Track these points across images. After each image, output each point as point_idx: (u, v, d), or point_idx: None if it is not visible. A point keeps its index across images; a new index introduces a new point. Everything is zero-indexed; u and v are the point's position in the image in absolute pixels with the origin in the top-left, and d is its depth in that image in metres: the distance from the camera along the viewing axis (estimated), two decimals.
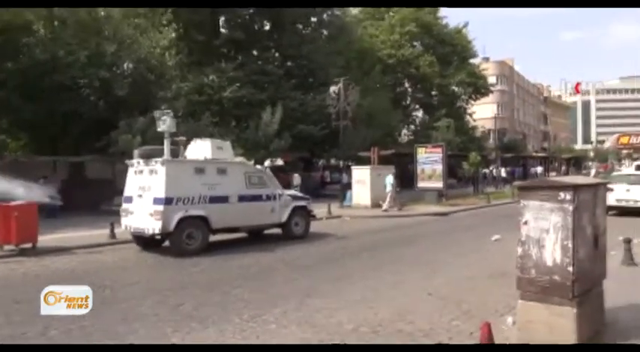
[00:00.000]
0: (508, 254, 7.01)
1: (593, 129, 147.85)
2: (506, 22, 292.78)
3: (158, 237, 11.18)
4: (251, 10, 31.58)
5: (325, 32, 36.78)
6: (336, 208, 20.36)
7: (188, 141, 12.82)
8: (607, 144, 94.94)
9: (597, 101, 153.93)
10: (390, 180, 20.69)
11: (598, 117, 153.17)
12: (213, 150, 12.04)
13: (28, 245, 11.00)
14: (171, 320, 6.08)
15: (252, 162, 14.55)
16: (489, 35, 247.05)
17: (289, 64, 33.14)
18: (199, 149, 12.20)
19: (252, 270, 9.30)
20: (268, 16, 32.44)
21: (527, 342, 4.68)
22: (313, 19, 35.78)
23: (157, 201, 10.66)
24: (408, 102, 48.51)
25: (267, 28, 33.98)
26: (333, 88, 26.08)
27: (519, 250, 4.73)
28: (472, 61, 50.93)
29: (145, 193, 11.09)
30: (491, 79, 57.53)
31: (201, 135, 16.66)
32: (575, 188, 4.47)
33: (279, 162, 29.33)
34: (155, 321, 6.07)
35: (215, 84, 28.01)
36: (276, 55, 33.63)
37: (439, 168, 23.25)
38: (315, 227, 14.43)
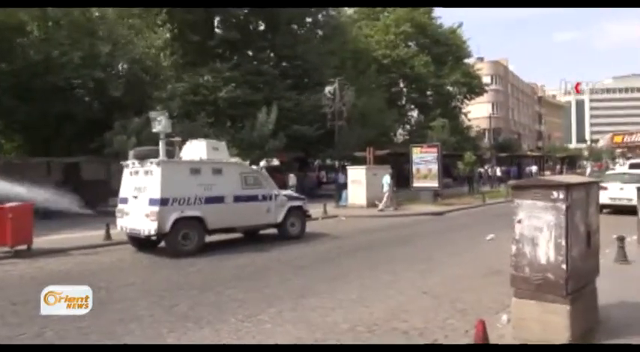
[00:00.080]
0: (502, 253, 7.05)
1: (587, 129, 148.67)
2: (501, 22, 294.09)
3: (154, 238, 11.16)
4: (246, 11, 31.56)
5: (320, 32, 36.80)
6: (331, 208, 20.42)
7: (183, 142, 12.81)
8: (601, 143, 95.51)
9: (591, 100, 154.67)
10: (387, 179, 20.74)
11: (592, 117, 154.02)
12: (209, 151, 12.03)
13: (23, 246, 10.96)
14: (167, 321, 6.09)
15: (247, 162, 14.52)
16: (483, 35, 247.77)
17: (284, 64, 33.15)
18: (195, 149, 12.20)
19: (248, 270, 9.31)
20: (263, 16, 32.42)
21: (521, 339, 4.72)
22: (308, 20, 35.79)
23: (152, 202, 10.66)
24: (403, 102, 48.62)
25: (262, 28, 33.96)
26: (328, 88, 26.12)
27: (513, 248, 4.77)
28: (467, 61, 51.14)
29: (141, 194, 11.09)
30: (486, 79, 57.73)
31: (196, 135, 16.66)
32: (568, 187, 4.51)
33: (275, 162, 29.23)
34: (151, 322, 6.08)
35: (210, 84, 27.99)
36: (271, 55, 33.64)
37: (434, 167, 23.33)
38: (311, 227, 14.45)
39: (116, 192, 12.29)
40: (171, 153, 11.62)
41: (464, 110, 51.72)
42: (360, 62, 39.67)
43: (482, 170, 40.38)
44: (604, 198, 17.55)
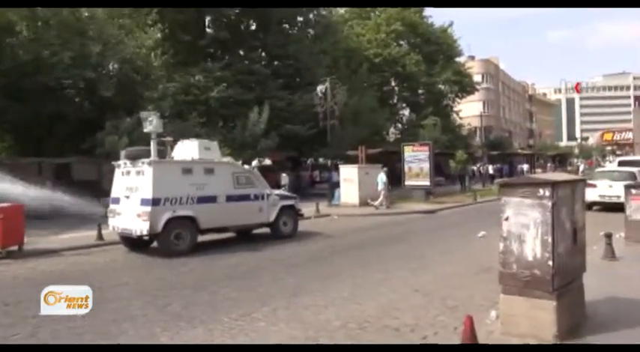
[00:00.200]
0: (493, 250, 7.10)
1: (578, 126, 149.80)
2: (491, 21, 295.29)
3: (146, 238, 11.17)
4: (237, 10, 31.52)
5: (312, 32, 36.83)
6: (324, 207, 20.48)
7: (175, 142, 12.82)
8: (591, 141, 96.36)
9: (581, 98, 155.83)
10: (382, 178, 20.85)
11: (582, 115, 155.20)
12: (201, 151, 12.05)
13: (14, 247, 10.92)
14: (161, 320, 6.12)
15: (240, 162, 14.56)
16: (474, 34, 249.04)
17: (276, 63, 33.14)
18: (186, 149, 12.21)
19: (241, 270, 9.35)
20: (254, 15, 32.40)
21: (509, 335, 4.81)
22: (299, 19, 35.80)
23: (144, 202, 10.66)
24: (395, 100, 48.75)
25: (253, 27, 33.94)
26: (319, 88, 26.15)
27: (501, 245, 4.86)
28: (458, 59, 51.38)
29: (133, 194, 11.09)
30: (477, 78, 58.01)
31: (188, 135, 16.66)
32: (554, 184, 4.60)
33: (267, 161, 29.36)
34: (144, 321, 6.11)
35: (202, 84, 27.94)
36: (263, 54, 33.63)
37: (426, 166, 23.44)
38: (303, 226, 14.51)
39: (108, 193, 12.27)
40: (162, 153, 11.63)
41: (455, 108, 51.94)
42: (352, 61, 39.77)
43: (474, 168, 40.64)
44: (593, 195, 17.79)
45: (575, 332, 4.90)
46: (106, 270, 9.72)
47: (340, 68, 36.16)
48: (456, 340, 4.78)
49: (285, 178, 24.70)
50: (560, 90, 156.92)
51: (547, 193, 4.56)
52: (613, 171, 19.33)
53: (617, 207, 16.48)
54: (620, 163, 22.89)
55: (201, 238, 11.77)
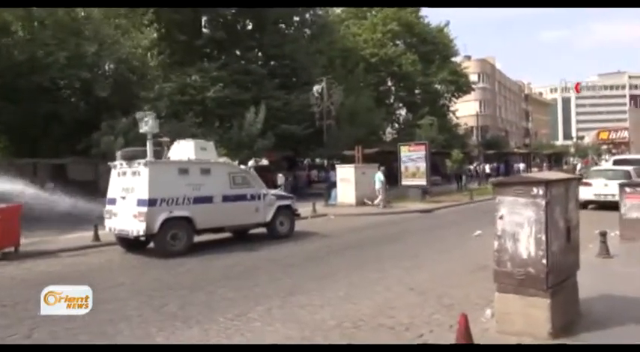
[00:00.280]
0: (489, 249, 7.13)
1: (574, 125, 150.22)
2: (487, 21, 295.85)
3: (142, 239, 11.18)
4: (233, 10, 31.53)
5: (308, 31, 36.89)
6: (321, 207, 20.48)
7: (171, 142, 12.82)
8: (587, 140, 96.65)
9: (577, 97, 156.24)
10: (379, 177, 20.88)
11: (578, 114, 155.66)
12: (197, 151, 12.05)
13: (10, 249, 10.89)
14: (156, 321, 6.12)
15: (236, 162, 14.56)
16: (471, 34, 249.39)
17: (272, 63, 33.17)
18: (183, 150, 12.20)
19: (237, 270, 9.36)
20: (251, 15, 32.43)
21: (504, 333, 4.83)
22: (296, 19, 35.87)
23: (140, 202, 10.65)
24: (391, 100, 48.84)
25: (249, 27, 33.96)
26: (316, 88, 26.18)
27: (495, 244, 4.88)
28: (454, 59, 51.52)
29: (129, 195, 11.07)
30: (473, 77, 58.16)
31: (184, 135, 16.65)
32: (548, 183, 4.63)
33: (264, 161, 29.34)
34: (140, 322, 6.11)
35: (198, 84, 27.95)
36: (259, 54, 33.64)
37: (422, 165, 23.47)
38: (300, 226, 14.52)
39: (104, 193, 12.26)
40: (158, 154, 11.63)
41: (452, 108, 52.09)
42: (348, 61, 39.81)
43: (471, 167, 40.74)
44: (589, 194, 17.88)
45: (570, 329, 4.92)
46: (102, 271, 9.71)
47: (336, 68, 36.20)
48: (451, 338, 4.79)
49: (281, 178, 24.72)
50: (556, 90, 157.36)
51: (541, 192, 4.59)
52: (608, 170, 19.41)
53: (612, 206, 16.56)
54: (615, 162, 22.98)
55: (197, 238, 11.76)
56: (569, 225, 5.05)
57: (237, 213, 12.20)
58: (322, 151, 29.68)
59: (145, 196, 10.59)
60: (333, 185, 23.67)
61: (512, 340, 4.67)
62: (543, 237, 4.58)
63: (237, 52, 33.01)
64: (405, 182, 24.06)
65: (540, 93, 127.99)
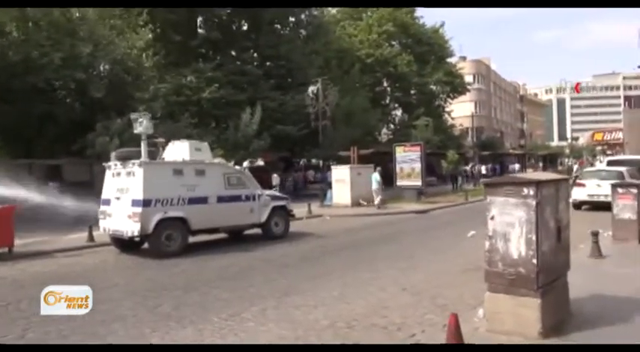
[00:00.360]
0: (483, 249, 7.21)
1: (569, 126, 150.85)
2: (483, 21, 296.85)
3: (137, 239, 11.16)
4: (228, 11, 31.54)
5: (304, 32, 36.94)
6: (316, 208, 20.51)
7: (167, 143, 12.82)
8: (581, 141, 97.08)
9: (572, 98, 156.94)
10: (376, 177, 20.95)
11: (573, 115, 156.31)
12: (192, 152, 12.06)
13: (4, 249, 10.87)
14: (151, 321, 6.14)
15: (232, 162, 14.58)
16: (466, 35, 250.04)
17: (268, 64, 33.21)
18: (177, 150, 12.22)
19: (232, 270, 9.37)
20: (246, 16, 32.45)
21: (495, 332, 4.87)
22: (291, 19, 35.91)
23: (135, 203, 10.66)
24: (387, 101, 48.96)
25: (245, 28, 33.97)
26: (311, 88, 26.22)
27: (487, 244, 4.92)
28: (449, 60, 51.70)
29: (123, 195, 11.08)
30: (469, 78, 58.35)
31: (180, 136, 16.64)
32: (538, 184, 4.67)
33: (260, 162, 29.34)
34: (134, 322, 6.12)
35: (193, 85, 27.95)
36: (255, 55, 33.68)
37: (418, 166, 23.51)
38: (295, 226, 14.54)
39: (99, 194, 12.25)
40: (153, 155, 11.63)
41: (447, 109, 52.26)
42: (344, 62, 39.89)
43: (467, 168, 40.89)
44: (582, 194, 18.00)
45: (560, 329, 4.96)
46: (96, 272, 9.71)
47: (332, 69, 36.26)
48: (443, 338, 4.80)
49: (276, 179, 24.75)
50: (551, 91, 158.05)
51: (531, 192, 4.63)
52: (602, 171, 19.52)
53: (606, 206, 16.68)
54: (609, 163, 23.12)
55: (192, 239, 11.78)
56: (560, 225, 5.09)
57: (232, 214, 12.21)
58: (318, 152, 29.72)
59: (140, 197, 10.59)
60: (329, 186, 23.71)
61: (503, 339, 4.71)
62: (534, 237, 4.62)
63: (233, 53, 33.01)
64: (400, 183, 24.11)
65: (535, 94, 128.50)
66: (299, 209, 16.86)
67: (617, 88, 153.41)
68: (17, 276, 9.12)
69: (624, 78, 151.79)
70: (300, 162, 38.60)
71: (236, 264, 9.99)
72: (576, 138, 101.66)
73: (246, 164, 13.74)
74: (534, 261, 4.63)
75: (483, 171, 41.42)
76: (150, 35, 26.79)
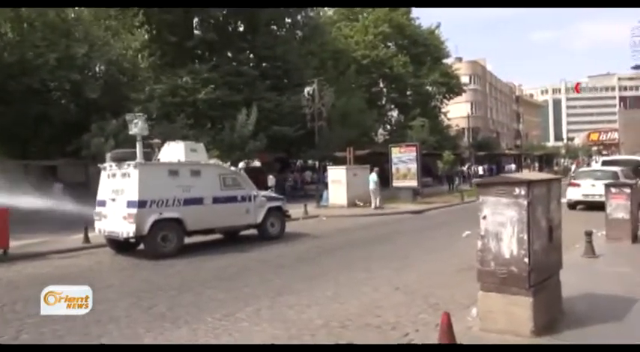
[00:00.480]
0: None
1: (564, 127, 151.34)
2: (478, 22, 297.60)
3: (132, 240, 11.17)
4: (225, 11, 31.52)
5: (300, 33, 36.96)
6: (312, 208, 20.53)
7: (163, 144, 12.83)
8: (577, 141, 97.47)
9: (568, 99, 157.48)
10: (373, 177, 21.00)
11: (569, 115, 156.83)
12: (187, 153, 12.07)
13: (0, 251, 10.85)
14: (145, 321, 6.15)
15: (228, 163, 14.59)
16: (462, 36, 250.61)
17: (264, 65, 33.21)
18: (173, 151, 12.22)
19: (227, 271, 9.38)
20: (242, 16, 32.44)
21: (487, 331, 4.90)
22: (288, 20, 35.92)
23: (130, 204, 10.66)
24: (383, 102, 49.00)
25: (241, 29, 33.97)
26: (307, 89, 26.24)
27: (479, 244, 4.95)
28: (445, 61, 51.77)
29: (119, 197, 11.07)
30: (465, 79, 58.47)
31: (175, 137, 16.64)
32: (529, 183, 4.71)
33: (257, 163, 29.38)
34: (128, 322, 6.13)
35: (189, 85, 27.93)
36: (251, 56, 33.66)
37: (413, 167, 23.60)
38: (291, 227, 14.56)
39: (95, 195, 12.24)
40: (148, 156, 11.64)
41: (443, 110, 52.37)
42: (340, 62, 39.91)
43: (464, 168, 41.00)
44: (577, 194, 18.11)
45: (552, 327, 5.00)
46: (92, 273, 9.70)
47: (328, 69, 36.28)
48: (436, 337, 4.86)
49: (271, 180, 24.76)
50: (546, 92, 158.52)
51: (522, 192, 4.67)
52: (596, 171, 19.63)
53: (601, 206, 16.76)
54: (604, 163, 23.24)
55: (188, 240, 11.78)
56: (551, 224, 5.13)
57: (227, 215, 12.22)
58: (314, 153, 29.70)
59: (135, 198, 10.60)
60: (325, 186, 23.75)
61: (495, 338, 4.74)
62: (525, 237, 4.66)
63: (229, 54, 33.01)
64: (396, 183, 24.18)
65: (531, 95, 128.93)
66: (295, 209, 16.87)
67: (613, 88, 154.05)
68: (12, 278, 9.11)
69: (619, 79, 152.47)
70: (297, 163, 38.62)
71: (231, 264, 10.01)
72: (572, 139, 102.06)
73: (241, 165, 13.76)
74: (526, 260, 4.67)
75: (480, 172, 41.57)
76: (145, 36, 26.76)
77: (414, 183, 23.65)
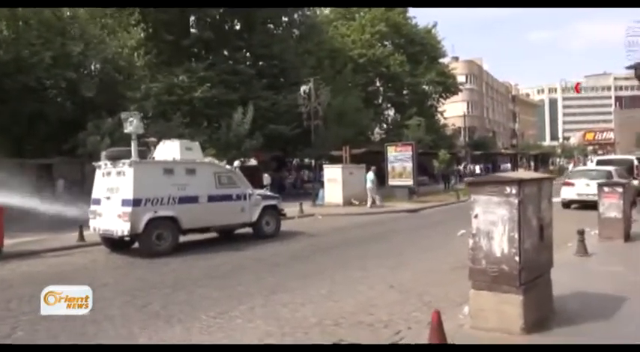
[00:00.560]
0: None
1: (560, 126, 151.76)
2: (475, 22, 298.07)
3: (127, 239, 11.17)
4: (221, 10, 31.48)
5: (296, 32, 36.96)
6: (308, 207, 20.56)
7: (158, 142, 12.82)
8: (573, 141, 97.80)
9: (564, 99, 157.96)
10: (370, 176, 21.05)
11: (565, 115, 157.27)
12: (182, 151, 12.06)
13: None
14: (139, 320, 6.16)
15: (224, 162, 14.59)
16: (458, 35, 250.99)
17: (260, 63, 33.18)
18: (168, 150, 12.22)
19: (222, 269, 9.40)
20: (239, 15, 32.40)
21: (478, 329, 4.94)
22: (284, 19, 35.90)
23: (125, 202, 10.66)
24: (379, 101, 49.04)
25: (237, 27, 33.93)
26: (303, 88, 26.26)
27: (471, 242, 5.00)
28: (441, 60, 51.87)
29: (113, 195, 11.07)
30: (461, 78, 58.56)
31: (171, 135, 16.64)
32: (520, 182, 4.75)
33: (253, 162, 29.39)
34: (123, 321, 6.14)
35: (185, 84, 27.89)
36: (247, 54, 33.64)
37: (409, 165, 23.68)
38: (287, 226, 14.59)
39: (90, 193, 12.23)
40: (143, 154, 11.63)
41: (439, 109, 52.44)
42: (337, 61, 39.95)
43: (460, 167, 41.11)
44: (571, 193, 18.22)
45: (542, 325, 5.04)
46: (86, 271, 9.71)
47: (325, 68, 36.30)
48: (428, 334, 4.91)
49: (267, 178, 24.79)
50: (542, 91, 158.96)
51: (514, 191, 4.71)
52: (591, 170, 19.73)
53: (594, 205, 16.89)
54: (599, 162, 23.36)
55: (183, 238, 11.78)
56: (542, 223, 5.17)
57: (222, 213, 12.24)
58: (310, 151, 29.75)
59: (130, 196, 10.60)
60: (321, 185, 23.79)
61: (485, 336, 4.78)
62: (516, 235, 4.70)
63: (225, 52, 32.97)
64: (392, 182, 24.25)
65: (527, 95, 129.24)
66: (291, 208, 16.90)
67: (609, 88, 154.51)
68: (6, 276, 9.10)
69: (615, 78, 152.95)
70: (293, 161, 38.65)
71: (226, 262, 10.03)
72: (568, 138, 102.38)
73: (236, 163, 13.77)
74: (517, 258, 4.71)
75: (477, 171, 41.73)
76: (141, 34, 26.73)
77: (409, 182, 23.73)
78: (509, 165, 53.30)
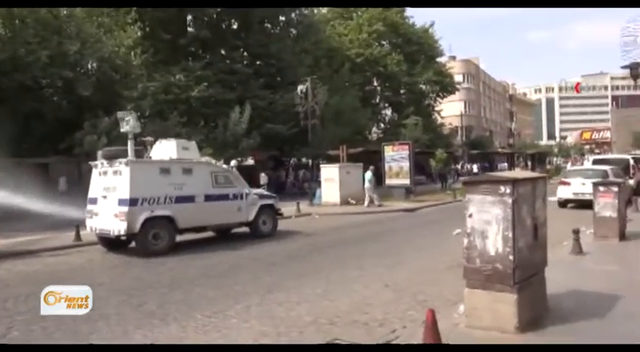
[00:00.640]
0: None
1: (557, 126, 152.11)
2: (472, 22, 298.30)
3: (124, 238, 11.16)
4: (218, 9, 31.46)
5: (294, 31, 36.95)
6: (305, 206, 20.56)
7: (155, 142, 12.81)
8: (570, 140, 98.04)
9: (561, 98, 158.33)
10: (368, 176, 21.07)
11: (562, 114, 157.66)
12: (179, 151, 12.05)
13: None
14: (135, 319, 6.17)
15: (221, 161, 14.58)
16: (455, 35, 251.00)
17: (258, 63, 33.19)
18: (165, 149, 12.20)
19: (218, 269, 9.41)
20: (236, 14, 32.37)
21: (473, 328, 4.96)
22: (282, 18, 35.89)
23: (121, 202, 10.65)
24: (377, 100, 49.10)
25: (235, 27, 33.91)
26: (300, 87, 26.27)
27: (465, 241, 5.02)
28: (439, 59, 51.94)
29: (110, 194, 11.06)
30: (458, 78, 58.70)
31: (168, 135, 16.64)
32: (515, 182, 4.77)
33: (250, 161, 29.39)
34: (118, 320, 6.14)
35: (182, 83, 27.87)
36: (245, 54, 33.63)
37: (406, 165, 23.69)
38: (284, 225, 14.59)
39: (87, 193, 12.21)
40: (140, 153, 11.62)
41: (437, 108, 52.51)
42: (334, 61, 39.98)
43: (458, 167, 41.17)
44: (568, 193, 18.27)
45: (537, 324, 5.06)
46: (83, 271, 9.70)
47: (322, 68, 36.33)
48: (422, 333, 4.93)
49: (264, 178, 24.79)
50: (539, 90, 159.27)
51: (508, 190, 4.73)
52: (587, 170, 19.78)
53: (590, 204, 16.94)
54: (595, 162, 23.42)
55: (180, 238, 11.78)
56: (537, 222, 5.20)
57: (219, 213, 12.23)
58: (307, 151, 29.76)
59: (126, 196, 10.59)
60: (318, 184, 23.79)
61: (480, 334, 4.80)
62: (510, 234, 4.72)
63: (222, 52, 32.95)
64: (389, 181, 24.26)
65: (524, 94, 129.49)
66: (288, 207, 16.90)
67: (605, 87, 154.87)
68: (3, 276, 9.09)
69: (612, 78, 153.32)
70: (291, 161, 38.65)
71: (222, 262, 10.03)
72: (565, 137, 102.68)
73: (233, 163, 13.76)
74: (511, 257, 4.73)
75: (475, 170, 41.79)
76: (138, 33, 26.69)
77: (406, 182, 23.75)
78: (506, 165, 53.39)
